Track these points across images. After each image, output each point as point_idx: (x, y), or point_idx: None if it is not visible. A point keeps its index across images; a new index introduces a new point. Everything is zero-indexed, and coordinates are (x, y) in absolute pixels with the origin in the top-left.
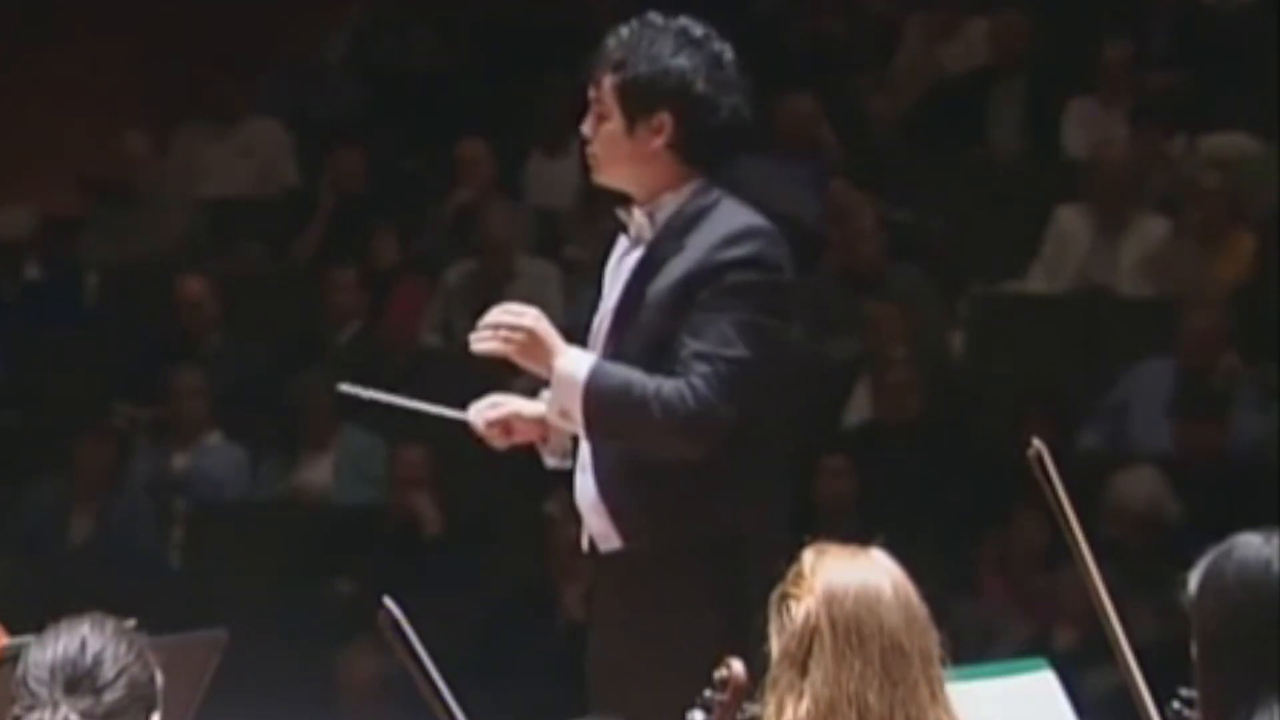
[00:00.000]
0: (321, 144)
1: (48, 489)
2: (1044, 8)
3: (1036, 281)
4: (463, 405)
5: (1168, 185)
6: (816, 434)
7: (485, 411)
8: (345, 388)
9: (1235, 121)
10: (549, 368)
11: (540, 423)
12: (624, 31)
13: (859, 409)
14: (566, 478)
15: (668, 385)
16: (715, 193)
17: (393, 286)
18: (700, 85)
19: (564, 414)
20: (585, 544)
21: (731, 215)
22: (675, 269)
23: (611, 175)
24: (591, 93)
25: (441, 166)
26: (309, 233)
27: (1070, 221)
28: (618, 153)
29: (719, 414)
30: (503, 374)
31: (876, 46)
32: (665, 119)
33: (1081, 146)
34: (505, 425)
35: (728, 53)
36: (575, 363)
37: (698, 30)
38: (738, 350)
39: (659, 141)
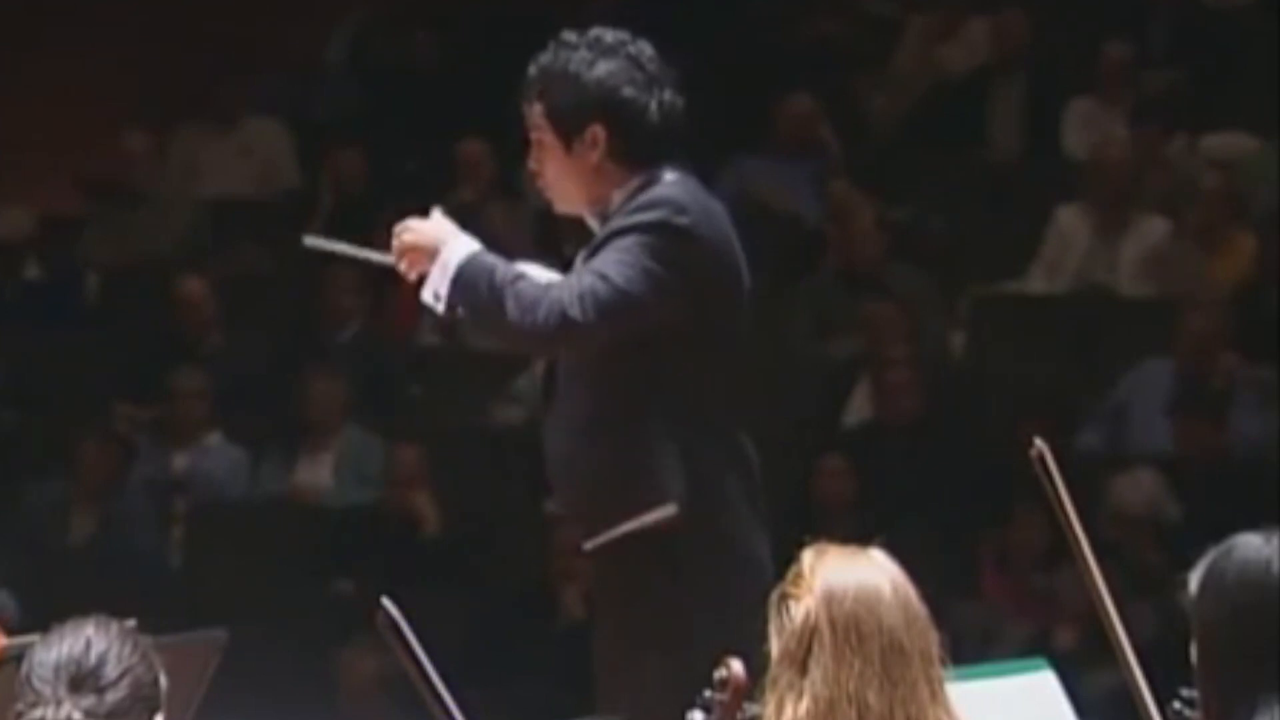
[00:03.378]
0: (321, 144)
1: (48, 489)
2: (1044, 8)
3: (1036, 281)
4: (463, 407)
5: (1168, 185)
6: (816, 434)
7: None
8: (310, 241)
9: (1235, 121)
10: (435, 254)
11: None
12: (542, 57)
13: (859, 409)
14: None
15: (528, 284)
16: (657, 177)
17: (393, 286)
18: (624, 91)
19: (436, 296)
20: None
21: (651, 191)
22: (594, 244)
23: (567, 201)
24: (530, 129)
25: (441, 166)
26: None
27: (1070, 221)
28: (564, 177)
29: (574, 320)
30: (503, 372)
31: (876, 46)
32: (597, 131)
33: (1081, 146)
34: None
35: (646, 51)
36: (460, 248)
37: (609, 37)
38: (611, 272)
39: (596, 155)
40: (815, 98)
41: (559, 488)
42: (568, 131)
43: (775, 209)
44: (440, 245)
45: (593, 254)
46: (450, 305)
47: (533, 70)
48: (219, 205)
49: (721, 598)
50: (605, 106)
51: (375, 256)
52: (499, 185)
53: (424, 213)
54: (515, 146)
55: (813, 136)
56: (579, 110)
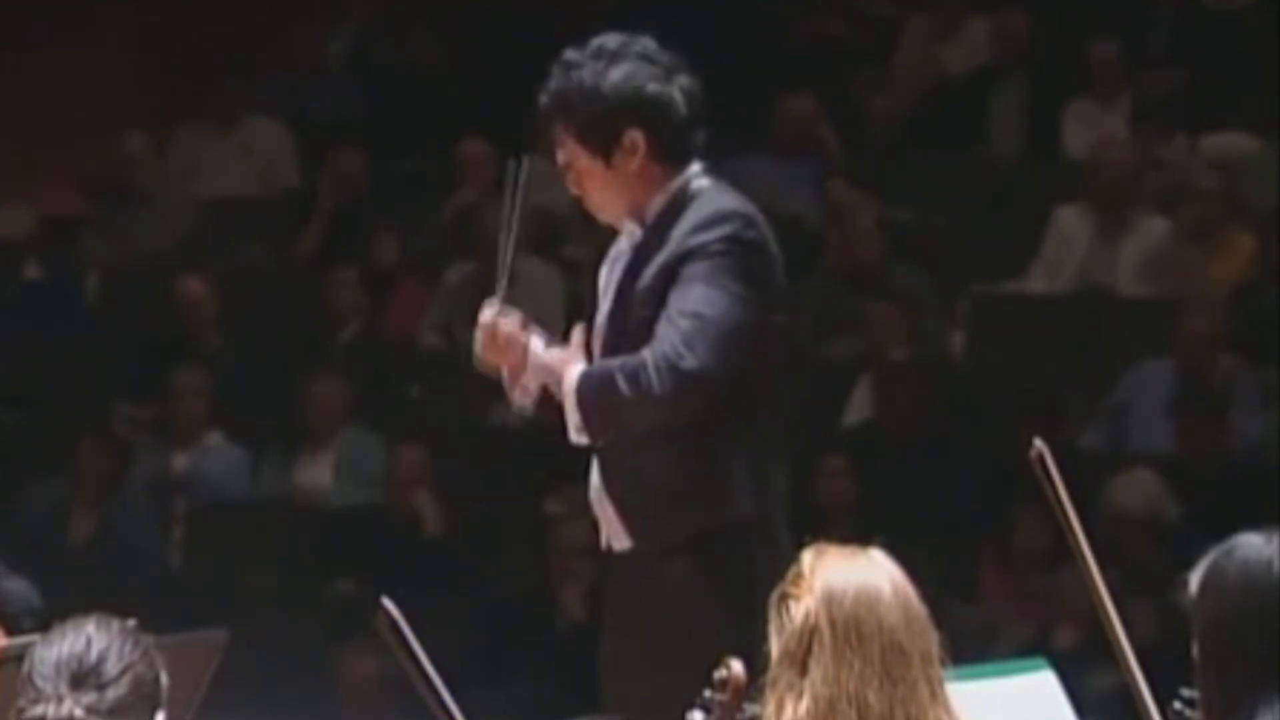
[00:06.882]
0: (321, 144)
1: (48, 489)
2: (1044, 8)
3: (1036, 281)
4: (463, 407)
5: (1167, 185)
6: (816, 434)
7: (499, 317)
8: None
9: (1235, 121)
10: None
11: (535, 369)
12: (552, 84)
13: (859, 409)
14: (572, 477)
15: (630, 360)
16: (700, 183)
17: (393, 286)
18: (649, 88)
19: (579, 429)
20: (604, 543)
21: (708, 202)
22: (656, 262)
23: (613, 211)
24: (560, 157)
25: (441, 166)
26: (309, 233)
27: (1070, 221)
28: (608, 189)
29: (691, 370)
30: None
31: (876, 46)
32: (635, 136)
33: (1081, 147)
34: (502, 337)
35: (650, 45)
36: (569, 378)
37: (612, 43)
38: (703, 309)
39: (638, 159)
40: (815, 98)
41: (614, 491)
42: (604, 145)
43: (775, 209)
44: (565, 368)
45: (663, 272)
46: (589, 430)
47: (546, 99)
48: (219, 205)
49: (761, 601)
50: (636, 109)
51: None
52: (499, 185)
53: (423, 213)
54: (515, 146)
55: (813, 136)
56: (610, 120)
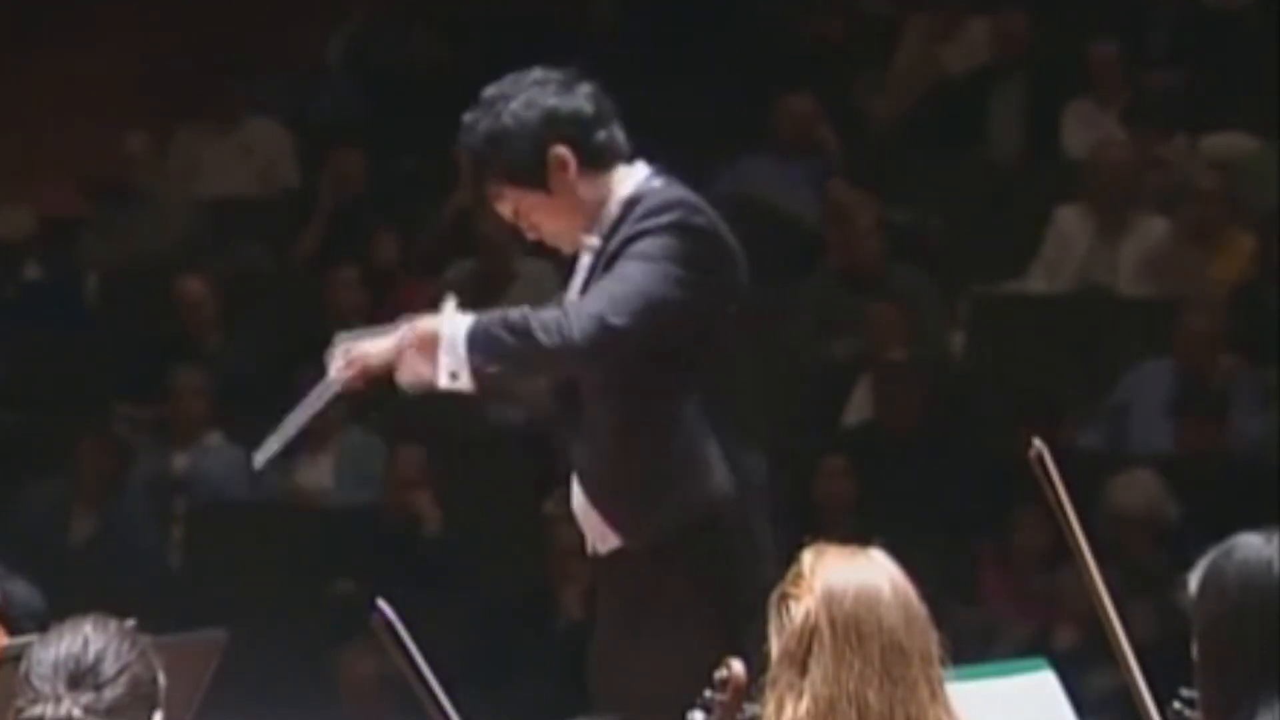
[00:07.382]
0: (321, 144)
1: (48, 489)
2: (1044, 8)
3: (1036, 281)
4: (463, 407)
5: (1167, 185)
6: (816, 434)
7: (341, 369)
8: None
9: (1235, 121)
10: (437, 342)
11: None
12: (464, 146)
13: (859, 409)
14: (572, 477)
15: (545, 312)
16: (653, 184)
17: (393, 286)
18: (549, 102)
19: (454, 375)
20: (590, 547)
21: (655, 195)
22: (608, 256)
23: (573, 235)
24: (505, 211)
25: (441, 166)
26: (309, 233)
27: (1070, 221)
28: (559, 215)
29: (613, 325)
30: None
31: (876, 46)
32: (559, 151)
33: (1081, 147)
34: (360, 371)
35: (537, 72)
36: (459, 321)
37: (503, 86)
38: (636, 276)
39: (572, 172)
40: (815, 98)
41: (597, 497)
42: (536, 174)
43: (775, 209)
44: (437, 328)
45: (610, 263)
46: (476, 372)
47: (466, 163)
48: (219, 205)
49: (747, 590)
50: (549, 126)
51: (314, 406)
52: None
53: (423, 213)
54: None
55: (813, 136)
56: (530, 149)
